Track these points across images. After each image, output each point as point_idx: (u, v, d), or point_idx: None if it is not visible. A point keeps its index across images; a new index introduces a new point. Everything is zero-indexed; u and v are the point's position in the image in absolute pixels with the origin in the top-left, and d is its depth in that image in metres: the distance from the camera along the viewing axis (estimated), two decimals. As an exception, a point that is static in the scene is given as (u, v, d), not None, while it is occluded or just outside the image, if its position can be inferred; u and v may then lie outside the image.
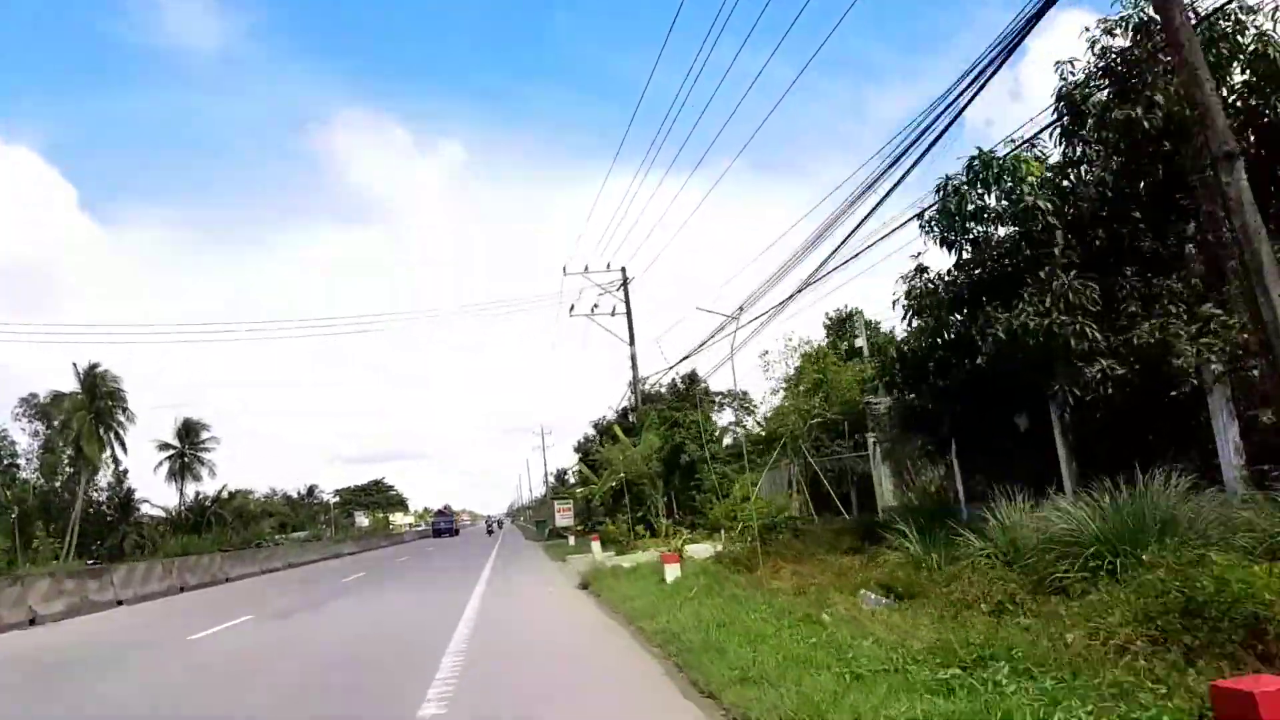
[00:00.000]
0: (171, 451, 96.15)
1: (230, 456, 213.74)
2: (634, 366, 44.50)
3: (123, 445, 79.08)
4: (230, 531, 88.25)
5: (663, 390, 46.03)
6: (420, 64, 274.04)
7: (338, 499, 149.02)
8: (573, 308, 45.99)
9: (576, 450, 45.84)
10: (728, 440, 39.82)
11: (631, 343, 44.77)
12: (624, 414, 45.72)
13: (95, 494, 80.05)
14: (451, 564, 35.10)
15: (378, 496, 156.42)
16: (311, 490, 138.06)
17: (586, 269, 45.25)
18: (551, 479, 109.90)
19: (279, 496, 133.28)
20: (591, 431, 46.54)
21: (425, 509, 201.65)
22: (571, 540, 40.06)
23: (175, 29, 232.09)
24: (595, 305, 45.71)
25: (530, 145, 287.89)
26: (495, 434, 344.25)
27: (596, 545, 27.12)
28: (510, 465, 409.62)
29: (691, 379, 44.15)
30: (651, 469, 34.75)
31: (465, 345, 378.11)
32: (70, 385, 75.15)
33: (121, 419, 79.52)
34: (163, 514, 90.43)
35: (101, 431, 77.15)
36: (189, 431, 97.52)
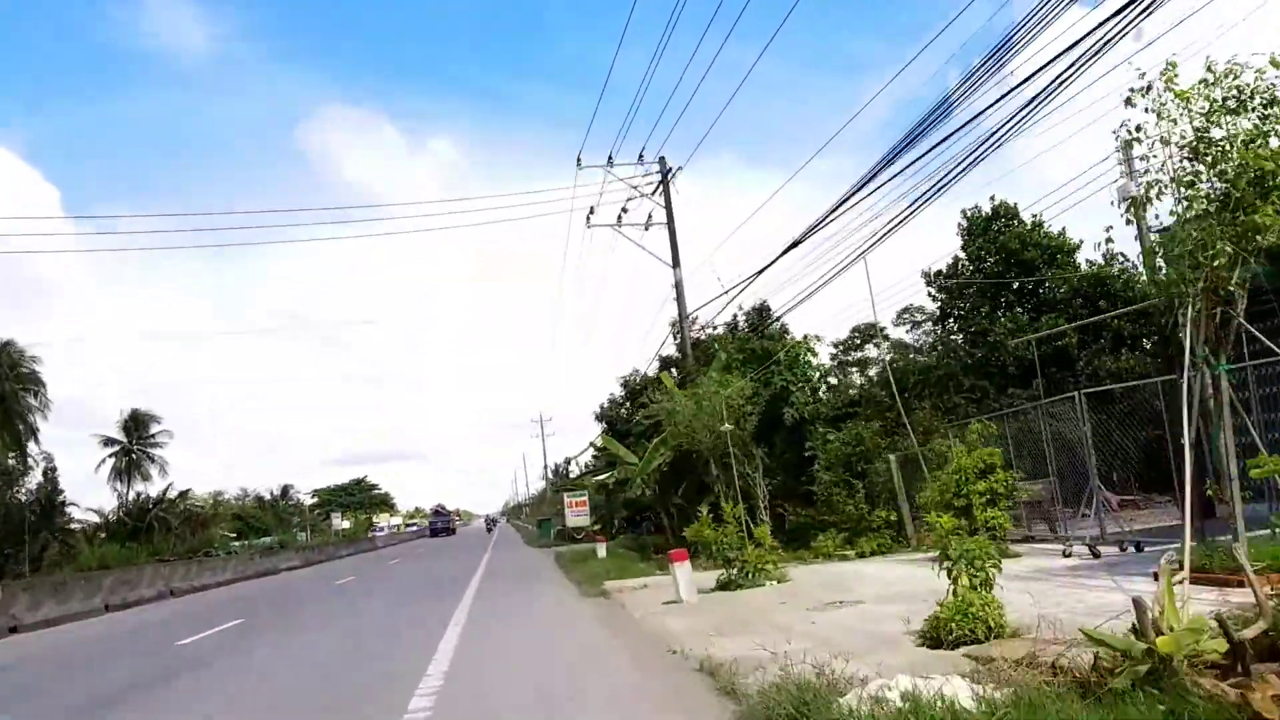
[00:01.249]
0: (116, 447, 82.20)
1: (206, 457, 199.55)
2: (679, 297, 30.22)
3: (34, 436, 63.91)
4: (174, 538, 72.90)
5: (717, 332, 31.69)
6: (411, 62, 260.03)
7: (315, 499, 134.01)
8: (593, 211, 31.63)
9: (599, 418, 31.61)
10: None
11: (676, 264, 30.49)
12: (666, 366, 31.41)
13: (25, 497, 66.36)
14: (403, 600, 20.70)
15: (360, 496, 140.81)
16: (285, 491, 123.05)
17: (610, 160, 30.99)
18: (550, 475, 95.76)
19: (250, 498, 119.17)
20: (619, 392, 32.23)
21: (416, 509, 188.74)
22: (601, 551, 25.51)
23: (164, 31, 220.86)
24: (623, 210, 31.45)
25: (524, 143, 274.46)
26: (489, 430, 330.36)
27: (682, 570, 12.37)
28: (504, 464, 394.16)
29: (762, 314, 29.87)
30: (746, 430, 20.35)
31: (461, 327, 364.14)
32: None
33: (34, 402, 64.45)
34: (98, 519, 75.86)
35: (13, 421, 62.63)
36: (137, 424, 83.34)
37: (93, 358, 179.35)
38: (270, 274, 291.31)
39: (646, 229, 31.29)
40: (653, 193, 30.98)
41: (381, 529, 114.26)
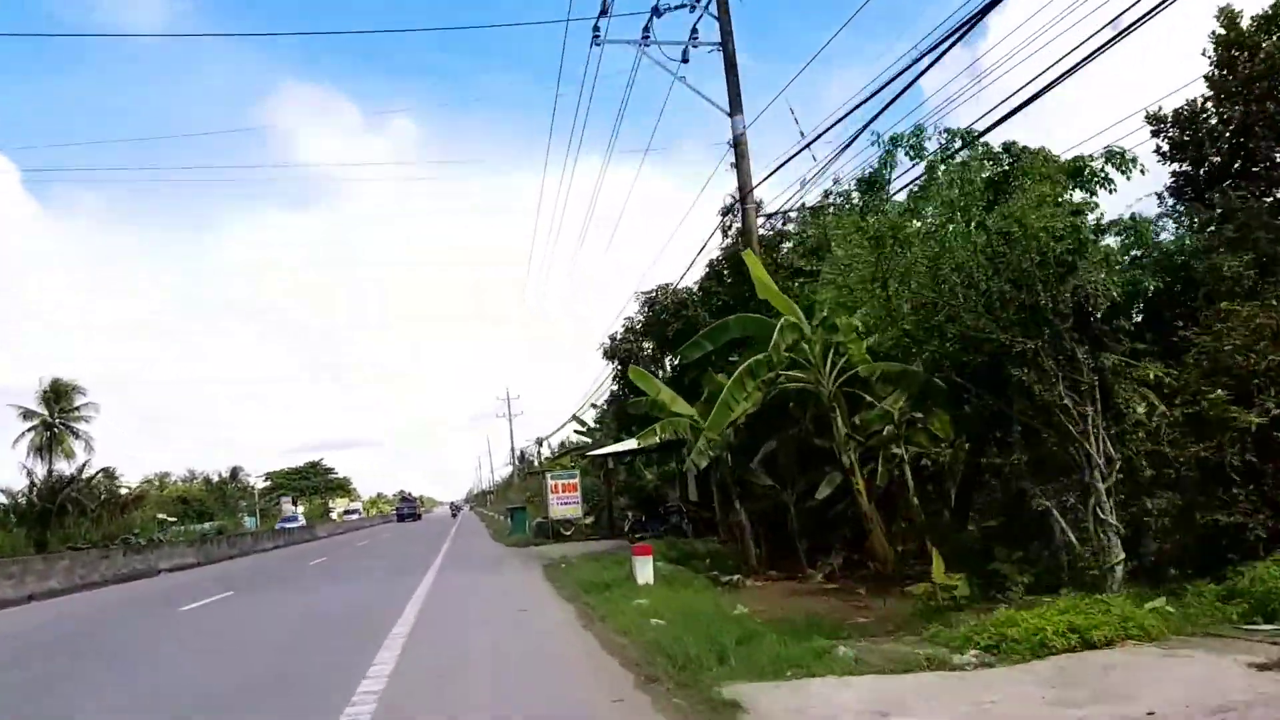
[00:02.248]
0: (35, 421, 69.59)
1: (159, 441, 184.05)
2: (741, 160, 18.20)
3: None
4: (89, 523, 58.40)
5: (791, 218, 19.76)
6: (371, 41, 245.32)
7: (268, 483, 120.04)
8: (605, 12, 19.22)
9: (609, 354, 19.13)
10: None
11: (735, 109, 18.38)
12: (716, 275, 19.22)
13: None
14: (252, 666, 8.66)
15: (315, 480, 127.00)
16: (235, 473, 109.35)
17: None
18: (517, 460, 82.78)
19: (198, 480, 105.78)
20: (635, 315, 19.79)
21: (379, 494, 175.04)
22: (642, 573, 12.73)
23: (118, 5, 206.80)
24: (654, 13, 19.22)
25: (485, 125, 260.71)
26: (452, 418, 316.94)
27: None
28: (468, 451, 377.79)
29: (873, 185, 17.91)
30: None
31: (427, 309, 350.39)
32: None
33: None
34: (5, 500, 62.46)
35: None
36: (58, 395, 69.89)
37: (40, 335, 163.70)
38: (228, 254, 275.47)
39: (685, 58, 19.16)
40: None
41: (293, 517, 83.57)
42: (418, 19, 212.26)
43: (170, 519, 76.38)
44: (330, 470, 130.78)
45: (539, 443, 61.45)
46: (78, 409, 69.82)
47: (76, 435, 69.56)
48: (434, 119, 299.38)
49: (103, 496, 68.47)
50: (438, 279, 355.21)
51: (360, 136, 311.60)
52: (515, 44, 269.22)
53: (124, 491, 73.31)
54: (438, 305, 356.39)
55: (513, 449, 77.69)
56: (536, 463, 60.31)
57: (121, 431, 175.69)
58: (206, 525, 70.01)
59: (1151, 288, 10.18)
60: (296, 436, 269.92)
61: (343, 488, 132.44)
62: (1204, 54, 16.72)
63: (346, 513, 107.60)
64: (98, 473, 67.62)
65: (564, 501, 27.50)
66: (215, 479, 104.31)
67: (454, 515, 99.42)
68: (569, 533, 27.71)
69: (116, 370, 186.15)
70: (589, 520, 28.73)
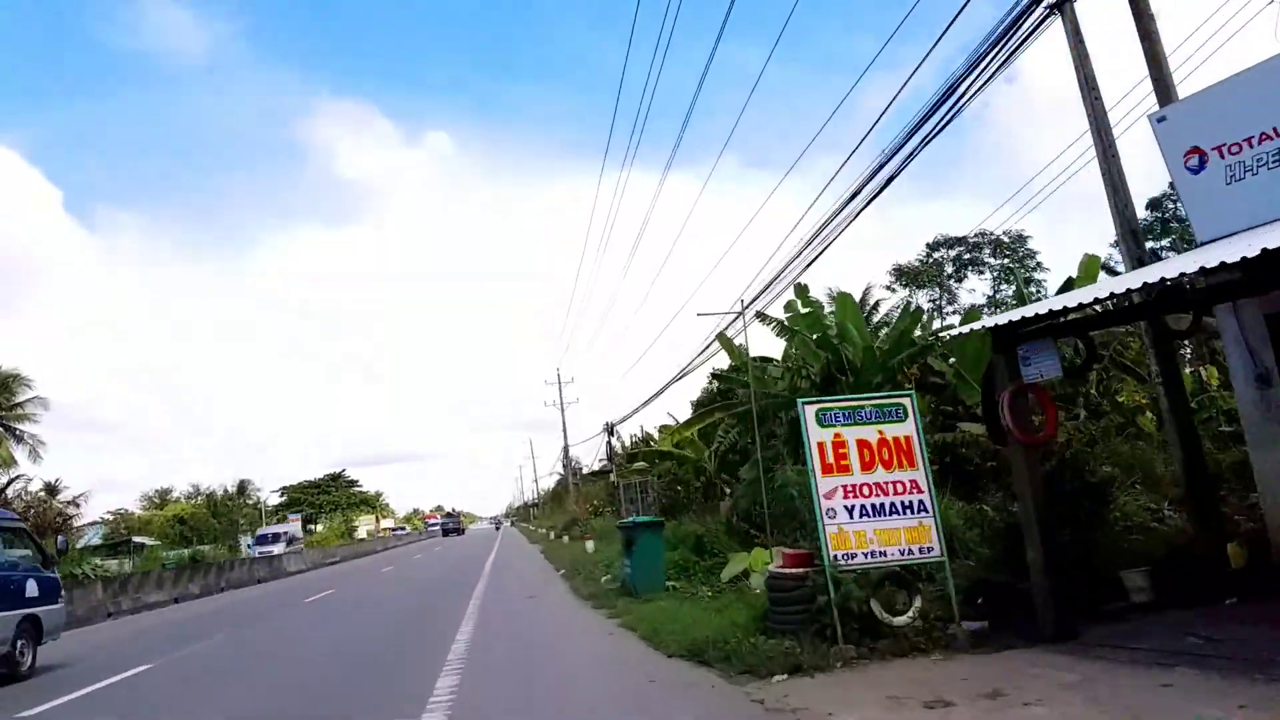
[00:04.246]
0: (-38, 422, 50.17)
1: (182, 459, 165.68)
2: None
3: None
4: None
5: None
6: (405, 59, 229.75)
7: (283, 498, 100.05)
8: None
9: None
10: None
11: None
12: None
13: None
14: None
15: (337, 495, 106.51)
16: (243, 488, 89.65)
17: None
18: (564, 464, 62.05)
19: (201, 497, 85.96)
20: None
21: (414, 510, 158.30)
22: None
23: (162, 31, 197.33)
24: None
25: (518, 139, 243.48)
26: (488, 433, 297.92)
27: None
28: (506, 464, 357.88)
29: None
30: None
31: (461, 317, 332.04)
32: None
33: None
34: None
35: None
36: (-5, 387, 50.71)
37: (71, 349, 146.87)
38: (266, 271, 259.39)
39: None
40: None
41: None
42: (449, 35, 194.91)
43: (153, 543, 55.92)
44: (355, 483, 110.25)
45: (609, 430, 40.47)
46: (19, 405, 50.10)
47: (18, 438, 49.85)
48: (470, 131, 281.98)
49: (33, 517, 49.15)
50: (479, 290, 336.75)
51: (397, 151, 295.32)
52: (549, 57, 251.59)
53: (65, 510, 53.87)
54: (478, 318, 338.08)
55: (565, 447, 56.58)
56: (611, 455, 39.22)
57: (149, 446, 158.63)
58: (173, 554, 47.15)
59: None
60: (329, 453, 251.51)
61: (369, 503, 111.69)
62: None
63: (259, 541, 54.73)
64: (9, 482, 48.17)
65: (881, 505, 6.71)
66: (221, 494, 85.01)
67: (496, 529, 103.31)
68: (901, 621, 7.06)
69: (150, 384, 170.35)
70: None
